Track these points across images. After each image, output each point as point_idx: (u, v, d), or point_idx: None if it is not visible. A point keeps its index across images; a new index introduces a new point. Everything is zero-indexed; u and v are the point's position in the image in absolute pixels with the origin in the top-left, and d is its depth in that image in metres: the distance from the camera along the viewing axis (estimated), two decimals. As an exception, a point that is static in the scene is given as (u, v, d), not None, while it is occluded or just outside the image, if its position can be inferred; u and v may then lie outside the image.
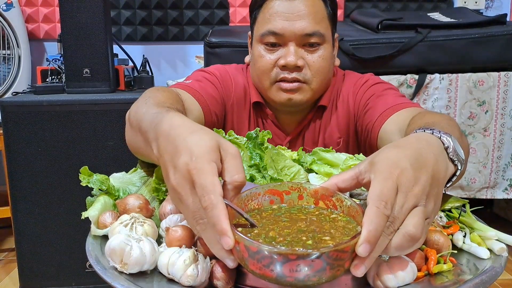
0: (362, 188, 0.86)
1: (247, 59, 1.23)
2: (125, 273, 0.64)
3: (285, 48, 1.10)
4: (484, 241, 0.73)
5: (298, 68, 1.09)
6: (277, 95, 1.12)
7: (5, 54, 2.33)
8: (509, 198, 2.12)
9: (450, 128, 0.72)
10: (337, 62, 1.21)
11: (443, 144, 0.63)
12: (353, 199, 0.81)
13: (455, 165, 0.63)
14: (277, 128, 1.21)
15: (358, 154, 0.97)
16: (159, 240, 0.73)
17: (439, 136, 0.64)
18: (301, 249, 0.52)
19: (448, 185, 0.65)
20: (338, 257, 0.52)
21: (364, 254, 0.51)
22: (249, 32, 1.22)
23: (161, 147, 0.62)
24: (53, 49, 2.51)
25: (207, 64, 1.98)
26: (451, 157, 0.63)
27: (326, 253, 0.51)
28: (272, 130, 1.20)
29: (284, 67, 1.09)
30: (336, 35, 1.18)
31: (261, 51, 1.12)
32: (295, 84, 1.10)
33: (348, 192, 0.82)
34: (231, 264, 0.56)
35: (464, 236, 0.73)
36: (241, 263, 0.56)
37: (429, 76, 1.98)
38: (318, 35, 1.09)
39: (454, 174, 0.64)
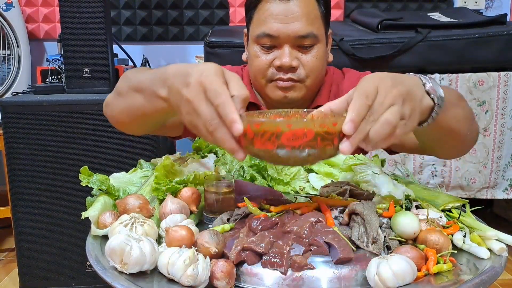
0: (362, 188, 0.86)
1: (244, 56, 1.26)
2: (125, 273, 0.64)
3: (280, 49, 1.13)
4: (484, 241, 0.73)
5: (293, 69, 1.12)
6: (273, 93, 1.16)
7: (5, 54, 2.33)
8: (509, 198, 2.12)
9: (447, 89, 0.77)
10: (330, 58, 1.24)
11: (421, 80, 0.72)
12: (353, 198, 0.81)
13: (432, 99, 0.71)
14: None
15: (358, 154, 0.98)
16: (159, 240, 0.73)
17: (418, 76, 0.73)
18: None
19: (428, 120, 0.72)
20: (328, 131, 0.61)
21: (349, 131, 0.60)
22: (245, 30, 1.25)
23: (170, 81, 0.69)
24: (53, 49, 2.51)
25: (207, 64, 1.98)
26: (427, 90, 0.71)
27: (317, 121, 0.62)
28: None
29: (279, 68, 1.12)
30: (329, 31, 1.20)
31: (257, 51, 1.15)
32: (290, 83, 1.13)
33: (349, 192, 0.83)
34: (241, 155, 0.63)
35: (464, 236, 0.73)
36: (249, 152, 0.64)
37: (429, 76, 1.98)
38: (311, 37, 1.12)
39: (432, 110, 0.71)
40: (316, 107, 1.20)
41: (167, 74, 0.71)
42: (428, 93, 0.70)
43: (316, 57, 1.14)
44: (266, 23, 1.12)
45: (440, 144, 0.90)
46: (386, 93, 0.63)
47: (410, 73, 0.75)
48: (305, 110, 0.74)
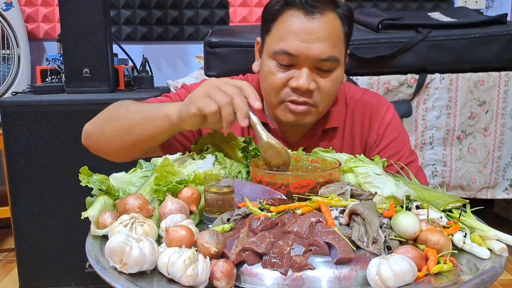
0: (363, 188, 0.86)
1: (255, 68, 1.16)
2: (125, 273, 0.64)
3: (298, 69, 1.05)
4: (485, 241, 0.73)
5: (309, 92, 1.05)
6: (284, 115, 1.09)
7: (4, 54, 2.33)
8: (509, 198, 2.12)
9: None
10: (344, 79, 1.15)
11: None
12: (353, 199, 0.81)
13: None
14: (281, 140, 1.17)
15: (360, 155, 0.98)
16: (159, 240, 0.73)
17: None
18: None
19: None
20: (325, 180, 0.85)
21: None
22: (258, 38, 1.15)
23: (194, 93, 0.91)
24: (53, 49, 2.51)
25: (207, 63, 1.97)
26: None
27: (317, 173, 0.85)
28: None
29: (295, 89, 1.05)
30: (348, 51, 1.14)
31: (272, 67, 1.07)
32: (303, 108, 1.07)
33: (350, 192, 0.82)
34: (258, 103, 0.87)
35: (465, 236, 0.73)
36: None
37: (429, 76, 1.98)
38: (332, 60, 1.05)
39: None
40: (328, 129, 1.17)
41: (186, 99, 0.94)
42: None
43: (334, 82, 1.07)
44: (286, 39, 1.03)
45: None
46: None
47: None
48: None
